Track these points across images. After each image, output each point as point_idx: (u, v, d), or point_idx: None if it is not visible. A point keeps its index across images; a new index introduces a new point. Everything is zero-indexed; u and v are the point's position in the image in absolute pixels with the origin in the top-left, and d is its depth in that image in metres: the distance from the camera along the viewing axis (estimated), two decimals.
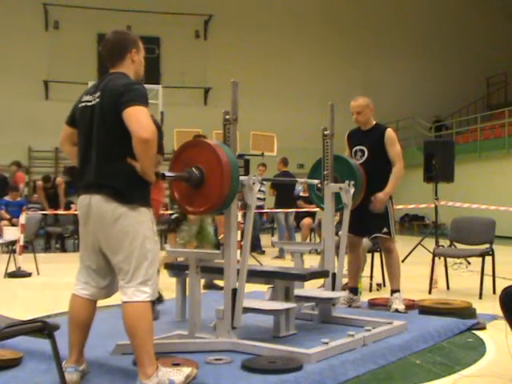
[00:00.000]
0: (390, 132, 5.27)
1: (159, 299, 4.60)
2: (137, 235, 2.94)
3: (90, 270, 3.10)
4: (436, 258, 6.50)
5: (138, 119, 2.83)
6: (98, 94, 3.00)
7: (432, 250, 6.79)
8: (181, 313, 4.64)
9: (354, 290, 5.48)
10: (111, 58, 3.11)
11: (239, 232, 4.76)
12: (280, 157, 11.14)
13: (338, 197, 4.81)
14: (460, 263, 7.85)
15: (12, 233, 8.49)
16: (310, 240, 10.59)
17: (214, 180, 3.47)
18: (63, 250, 11.91)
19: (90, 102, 3.03)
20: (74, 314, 3.12)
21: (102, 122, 2.96)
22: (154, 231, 3.05)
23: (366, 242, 5.97)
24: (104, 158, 2.95)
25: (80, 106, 3.10)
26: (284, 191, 10.63)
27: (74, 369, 3.07)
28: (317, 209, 6.50)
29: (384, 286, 6.53)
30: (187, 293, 4.27)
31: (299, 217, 10.72)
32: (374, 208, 5.10)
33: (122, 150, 2.92)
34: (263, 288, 4.46)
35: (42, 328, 2.66)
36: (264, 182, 7.27)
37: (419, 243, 9.46)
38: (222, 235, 10.48)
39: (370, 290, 6.43)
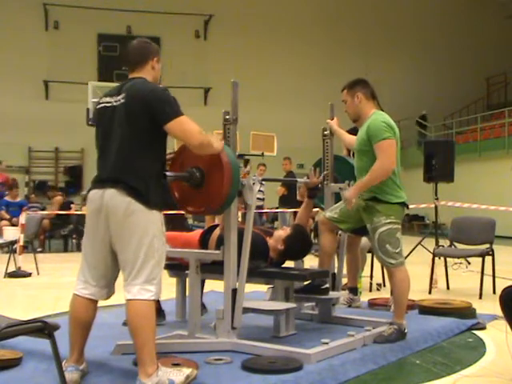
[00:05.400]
0: None
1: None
2: (146, 233, 2.98)
3: (92, 268, 3.12)
4: (436, 258, 6.50)
5: (182, 130, 3.04)
6: (121, 96, 3.09)
7: (432, 250, 6.78)
8: (181, 313, 4.64)
9: (354, 290, 5.47)
10: (134, 62, 3.25)
11: None
12: (285, 156, 11.23)
13: (337, 197, 4.80)
14: (460, 263, 7.85)
15: (12, 233, 8.50)
16: None
17: (214, 180, 3.48)
18: (65, 249, 11.90)
19: (110, 103, 3.13)
20: (75, 314, 3.14)
21: (125, 122, 3.04)
22: (163, 232, 3.09)
23: (366, 241, 5.96)
24: (125, 157, 3.02)
25: (98, 107, 3.21)
26: (293, 190, 10.81)
27: (74, 368, 3.08)
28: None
29: (384, 285, 6.53)
30: (187, 293, 4.27)
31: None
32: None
33: (145, 151, 3.03)
34: (263, 288, 4.45)
35: (42, 328, 2.66)
36: (264, 182, 7.25)
37: (419, 243, 9.43)
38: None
39: (370, 290, 6.43)
